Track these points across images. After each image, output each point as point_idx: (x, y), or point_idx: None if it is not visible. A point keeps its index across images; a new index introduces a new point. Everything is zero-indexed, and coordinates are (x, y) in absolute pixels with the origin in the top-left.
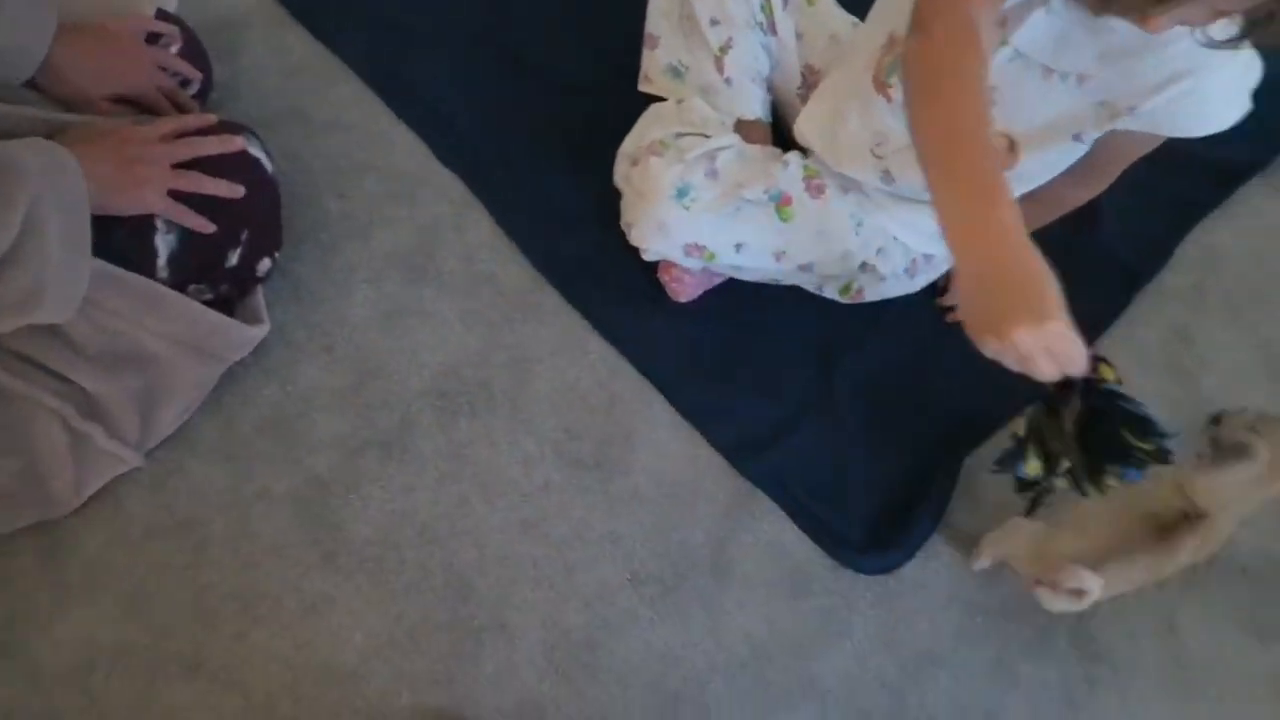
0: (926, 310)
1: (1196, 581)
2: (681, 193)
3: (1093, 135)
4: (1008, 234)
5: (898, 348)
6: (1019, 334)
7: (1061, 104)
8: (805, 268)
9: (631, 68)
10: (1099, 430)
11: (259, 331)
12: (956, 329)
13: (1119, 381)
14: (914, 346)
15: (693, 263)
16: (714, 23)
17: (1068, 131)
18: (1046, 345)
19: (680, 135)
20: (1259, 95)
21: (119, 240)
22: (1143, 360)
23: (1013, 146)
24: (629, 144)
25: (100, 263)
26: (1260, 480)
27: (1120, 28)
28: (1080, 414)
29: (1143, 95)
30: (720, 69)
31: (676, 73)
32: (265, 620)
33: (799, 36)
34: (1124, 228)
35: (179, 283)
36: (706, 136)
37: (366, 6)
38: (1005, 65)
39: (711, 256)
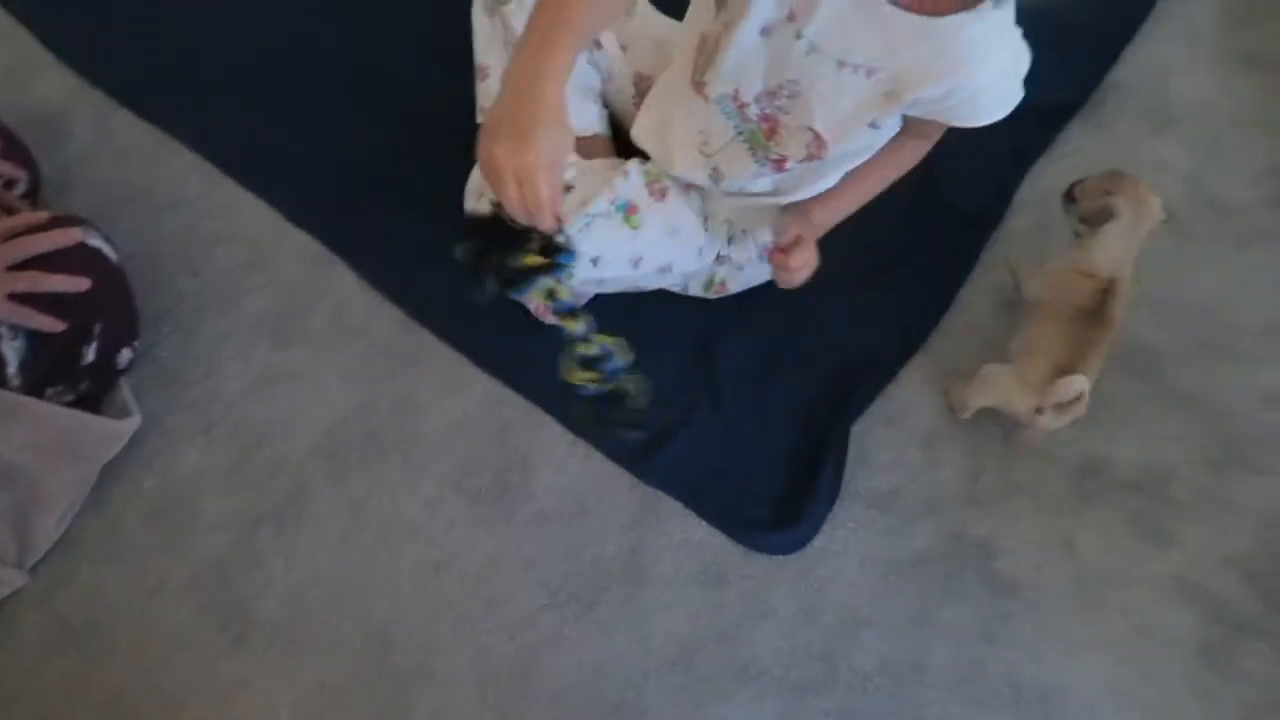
0: (788, 294)
1: (1086, 497)
2: None
3: (887, 122)
4: (545, 72)
5: (769, 332)
6: (497, 150)
7: (855, 95)
8: (664, 269)
9: (473, 100)
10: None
11: (130, 425)
12: (823, 308)
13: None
14: (785, 328)
15: None
16: None
17: (863, 120)
18: (517, 174)
19: None
20: (1068, 41)
21: None
22: (1004, 301)
23: (819, 139)
24: (473, 180)
25: None
26: (1133, 228)
27: (898, 18)
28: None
29: (921, 85)
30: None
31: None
32: (186, 718)
33: (624, 48)
34: (963, 182)
35: (34, 388)
36: None
37: (191, 76)
38: (803, 59)
39: (570, 275)
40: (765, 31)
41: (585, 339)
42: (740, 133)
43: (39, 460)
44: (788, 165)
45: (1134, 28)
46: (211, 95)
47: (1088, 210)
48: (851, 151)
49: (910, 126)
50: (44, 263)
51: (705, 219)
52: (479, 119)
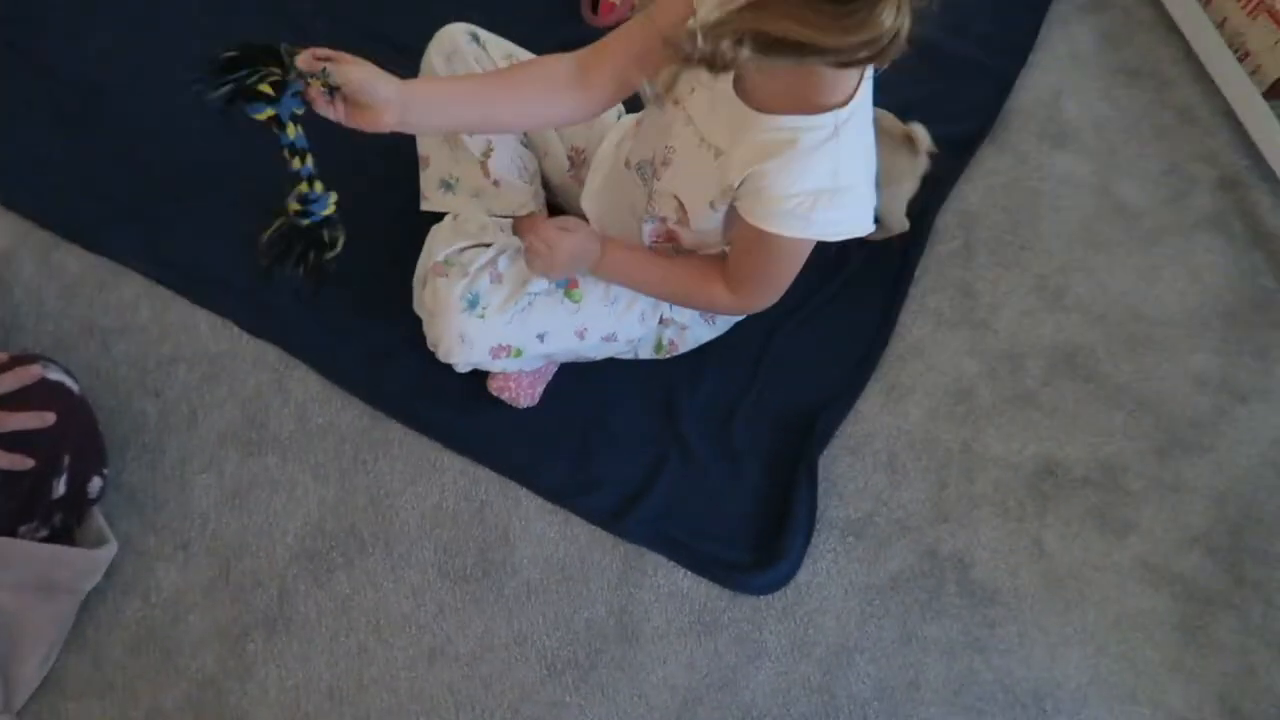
0: (739, 343)
1: (1046, 499)
2: (472, 303)
3: (721, 206)
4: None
5: (727, 381)
6: None
7: (705, 172)
8: (609, 338)
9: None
10: None
11: (107, 552)
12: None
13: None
14: (741, 374)
15: (503, 364)
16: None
17: (706, 198)
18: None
19: (462, 250)
20: (969, 74)
21: None
22: (942, 322)
23: (683, 207)
24: (419, 269)
25: None
26: None
27: (740, 109)
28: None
29: (739, 170)
30: (487, 173)
31: (449, 186)
32: None
33: (559, 131)
34: (889, 213)
35: (7, 526)
36: (486, 245)
37: (135, 205)
38: (682, 129)
39: (519, 353)
40: (677, 103)
41: (307, 179)
42: (639, 199)
43: (18, 600)
44: (669, 224)
45: (1023, 56)
46: (158, 220)
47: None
48: (707, 229)
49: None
50: (7, 402)
51: None
52: (422, 206)
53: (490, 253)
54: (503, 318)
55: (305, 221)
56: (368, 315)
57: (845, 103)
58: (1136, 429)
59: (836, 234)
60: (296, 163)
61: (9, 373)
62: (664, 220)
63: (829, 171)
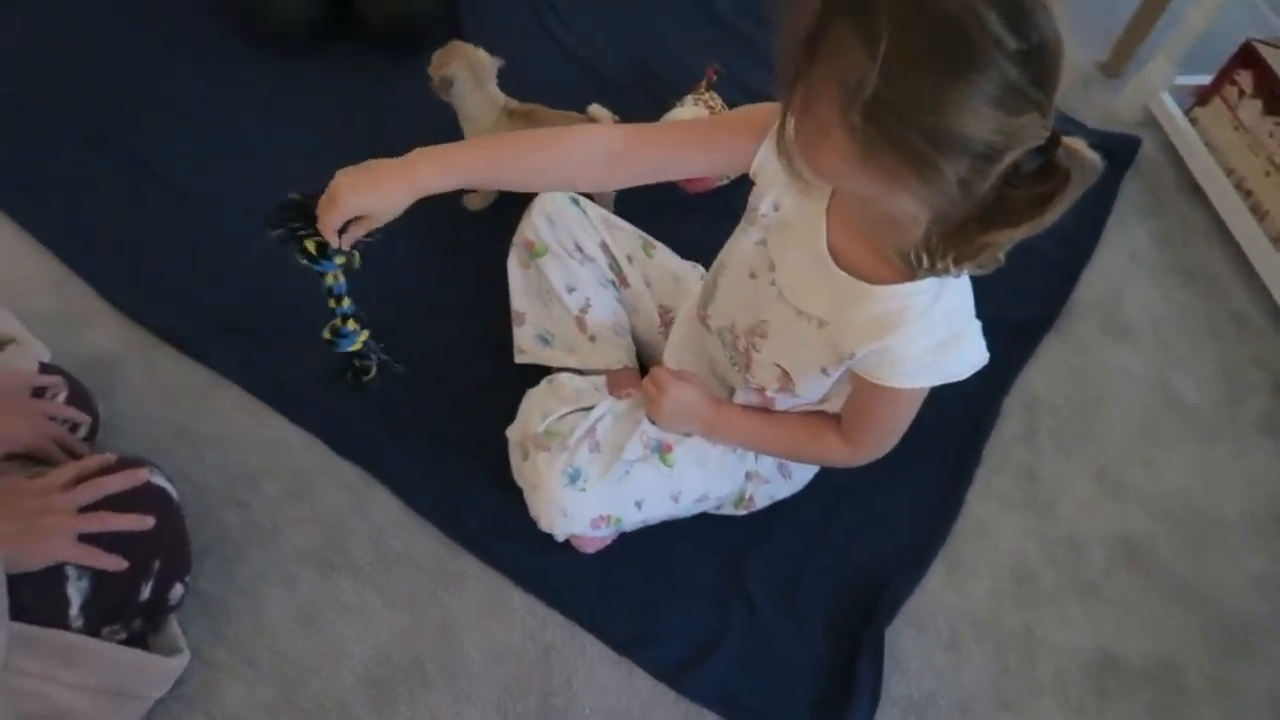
0: (810, 503)
1: (1106, 694)
2: (573, 478)
3: (836, 373)
4: (431, 155)
5: (799, 541)
6: (343, 173)
7: (809, 342)
8: (702, 499)
9: (508, 339)
10: None
11: (180, 661)
12: (844, 516)
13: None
14: (813, 537)
15: (603, 532)
16: (570, 289)
17: (816, 366)
18: (332, 190)
19: (560, 417)
20: (1034, 268)
21: (27, 596)
22: (1006, 504)
23: (786, 374)
24: (514, 433)
25: (13, 625)
26: (476, 85)
27: (843, 280)
28: None
29: (860, 343)
30: (583, 328)
31: (545, 340)
32: None
33: (648, 284)
34: (955, 395)
35: (93, 628)
36: (582, 410)
37: (237, 319)
38: (774, 303)
39: (618, 521)
40: (753, 275)
41: (340, 317)
42: (734, 362)
43: (91, 702)
44: (768, 393)
45: (1087, 253)
46: (256, 333)
47: (438, 86)
48: (814, 388)
49: (844, 400)
50: (112, 503)
51: None
52: (517, 358)
53: (589, 420)
54: (602, 488)
55: (335, 350)
56: (451, 445)
57: None
58: (1196, 627)
59: (960, 374)
60: (332, 303)
61: (118, 474)
62: (762, 390)
63: (945, 324)
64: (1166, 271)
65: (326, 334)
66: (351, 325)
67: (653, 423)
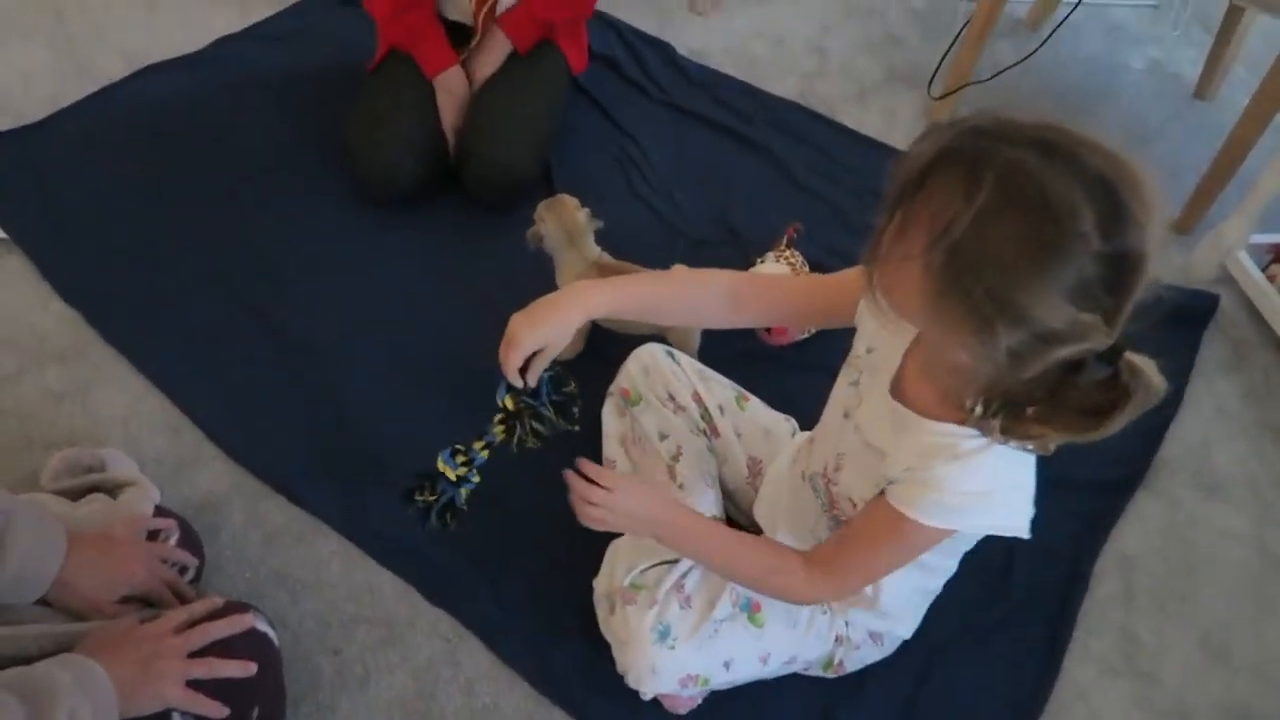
0: (904, 663)
1: None
2: (663, 635)
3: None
4: (585, 289)
5: (889, 702)
6: (517, 314)
7: (871, 473)
8: (790, 661)
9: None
10: None
11: None
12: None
13: None
14: (903, 701)
15: (690, 691)
16: (663, 436)
17: (873, 490)
18: (510, 330)
19: (645, 570)
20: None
21: None
22: (1107, 669)
23: (856, 508)
24: (601, 585)
25: None
26: (571, 242)
27: (901, 412)
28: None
29: (898, 465)
30: (674, 476)
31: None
32: None
33: (739, 435)
34: (1044, 558)
35: None
36: (668, 562)
37: (334, 461)
38: (851, 437)
39: (705, 681)
40: (845, 415)
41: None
42: (823, 506)
43: None
44: None
45: (1173, 407)
46: (356, 482)
47: (533, 237)
48: None
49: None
50: (217, 647)
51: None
52: None
53: (676, 572)
54: (692, 646)
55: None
56: (543, 595)
57: None
58: None
59: (981, 528)
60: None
61: (224, 619)
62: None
63: (988, 476)
64: (1256, 428)
65: (427, 492)
66: (462, 496)
67: (584, 523)
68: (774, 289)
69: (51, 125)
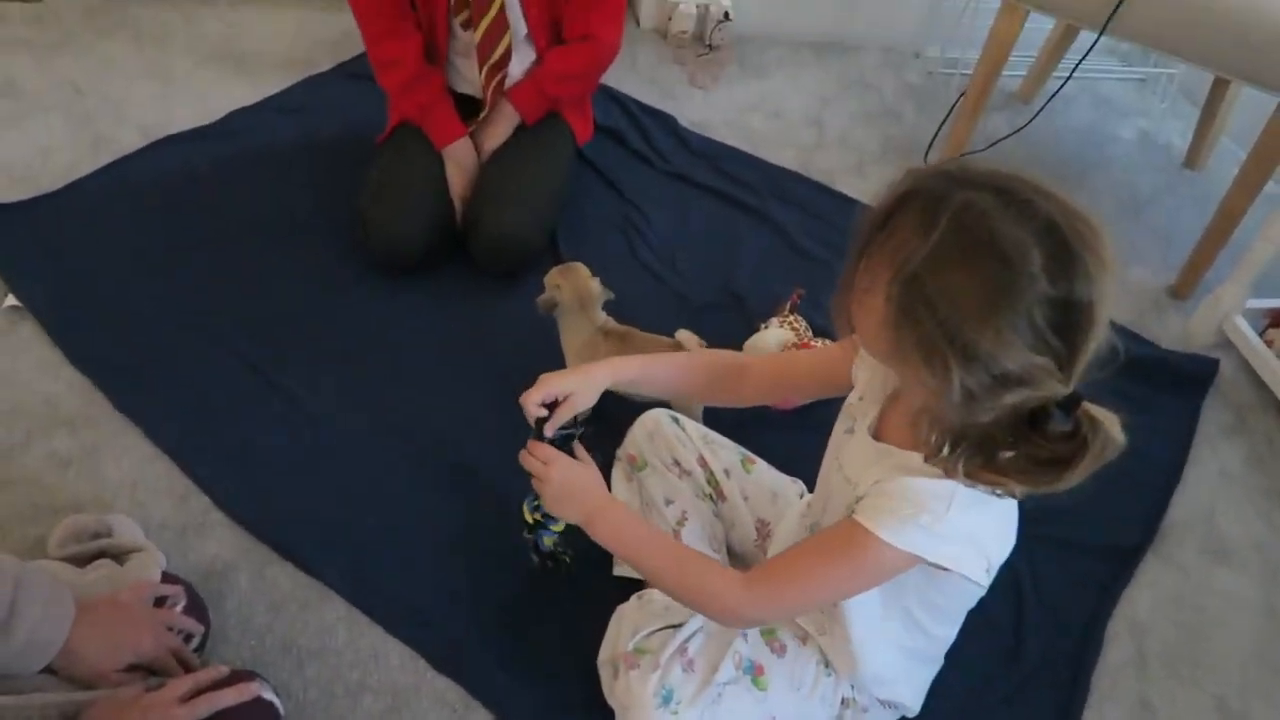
0: None
1: None
2: (666, 699)
3: None
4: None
5: None
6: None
7: (845, 501)
8: None
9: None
10: None
11: None
12: None
13: None
14: None
15: None
16: (668, 502)
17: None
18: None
19: (650, 634)
20: (1125, 488)
21: None
22: None
23: None
24: (605, 651)
25: None
26: (582, 308)
27: (873, 445)
28: None
29: (868, 480)
30: (679, 540)
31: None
32: None
33: (745, 498)
34: (1055, 623)
35: None
36: (672, 626)
37: (342, 531)
38: (836, 477)
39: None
40: (838, 460)
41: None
42: None
43: None
44: None
45: (1176, 473)
46: (365, 549)
47: (544, 302)
48: None
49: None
50: (222, 717)
51: (825, 665)
52: (615, 571)
53: (680, 636)
54: (695, 712)
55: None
56: (550, 665)
57: None
58: None
59: (933, 556)
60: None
61: (231, 689)
62: None
63: (945, 497)
64: (1261, 493)
65: (526, 532)
66: (548, 543)
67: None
68: (784, 370)
69: (67, 195)
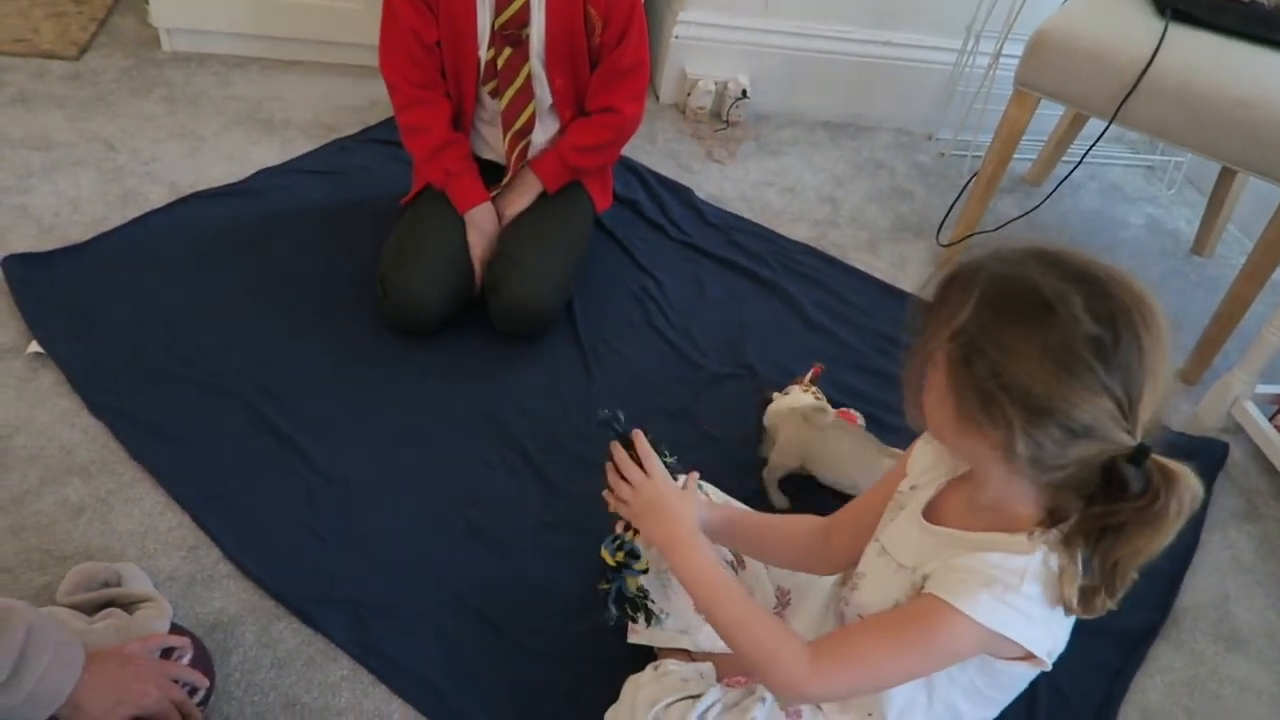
0: None
1: None
2: None
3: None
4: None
5: None
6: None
7: (890, 580)
8: None
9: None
10: None
11: None
12: None
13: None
14: None
15: None
16: None
17: (892, 600)
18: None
19: (668, 705)
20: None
21: None
22: None
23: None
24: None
25: None
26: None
27: (935, 531)
28: None
29: (934, 561)
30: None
31: (658, 619)
32: None
33: (767, 566)
34: (1067, 709)
35: None
36: (689, 698)
37: (349, 589)
38: (875, 559)
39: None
40: (877, 540)
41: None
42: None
43: None
44: None
45: (1187, 557)
46: (371, 609)
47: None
48: None
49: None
50: None
51: None
52: (630, 639)
53: (698, 710)
54: None
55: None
56: None
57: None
58: None
59: (1008, 631)
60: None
61: None
62: None
63: (1019, 571)
64: (1274, 579)
65: (603, 581)
66: (632, 587)
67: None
68: (859, 513)
69: (94, 247)
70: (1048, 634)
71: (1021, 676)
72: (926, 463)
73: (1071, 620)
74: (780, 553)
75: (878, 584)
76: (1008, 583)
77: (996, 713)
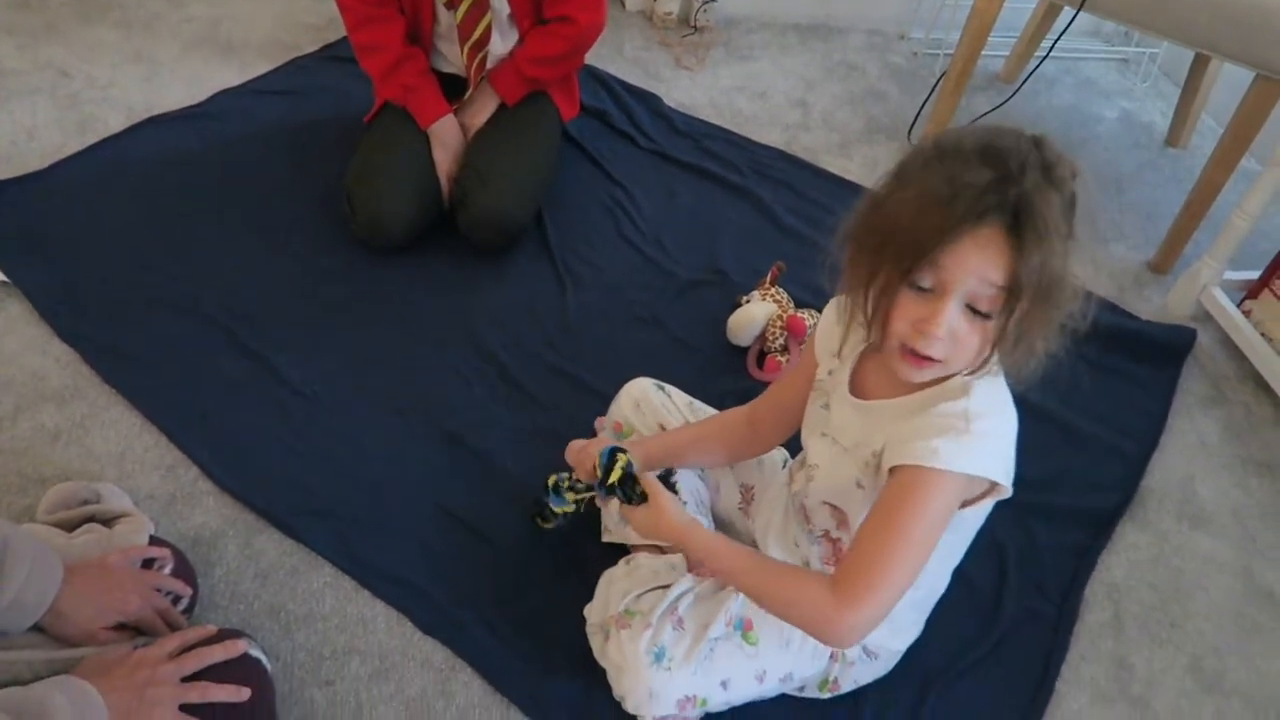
0: (902, 689)
1: None
2: (658, 656)
3: (868, 481)
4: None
5: None
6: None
7: (841, 463)
8: (786, 679)
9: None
10: None
11: None
12: (931, 703)
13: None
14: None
15: (690, 714)
16: None
17: (851, 480)
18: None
19: (640, 595)
20: (1098, 454)
21: None
22: (1099, 695)
23: (836, 510)
24: (593, 615)
25: None
26: None
27: (862, 407)
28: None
29: (883, 433)
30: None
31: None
32: None
33: (731, 465)
34: (1035, 586)
35: None
36: (660, 588)
37: (327, 500)
38: (827, 450)
39: (704, 702)
40: (823, 435)
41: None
42: (799, 524)
43: None
44: (832, 535)
45: (1153, 441)
46: (350, 519)
47: None
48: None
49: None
50: (210, 673)
51: None
52: (604, 538)
53: (669, 597)
54: (688, 668)
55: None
56: (536, 626)
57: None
58: None
59: (976, 469)
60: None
61: (219, 645)
62: (826, 534)
63: (960, 414)
64: (1239, 461)
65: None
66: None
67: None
68: (779, 398)
69: (53, 174)
70: (1004, 463)
71: (974, 521)
72: (833, 346)
73: (1014, 440)
74: (717, 453)
75: (831, 470)
76: (958, 428)
77: (957, 561)
